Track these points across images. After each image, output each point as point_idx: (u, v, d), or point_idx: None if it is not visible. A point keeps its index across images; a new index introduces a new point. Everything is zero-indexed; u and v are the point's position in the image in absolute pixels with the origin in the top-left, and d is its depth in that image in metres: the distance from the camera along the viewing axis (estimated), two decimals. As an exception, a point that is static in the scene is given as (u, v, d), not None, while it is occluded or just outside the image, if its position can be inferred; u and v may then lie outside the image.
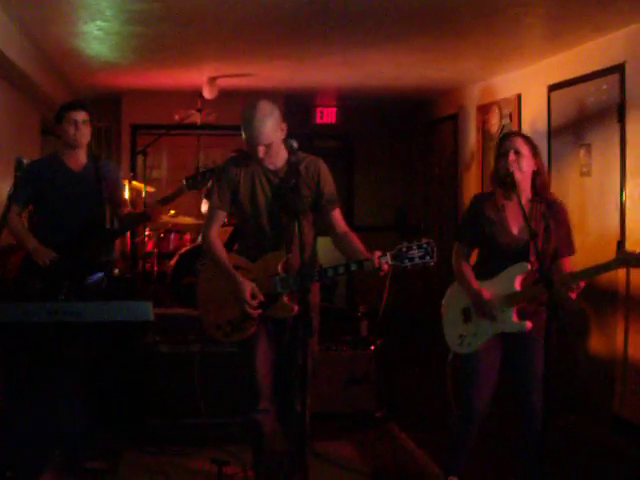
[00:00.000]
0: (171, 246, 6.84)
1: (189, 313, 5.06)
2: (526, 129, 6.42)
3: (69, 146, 4.31)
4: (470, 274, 3.69)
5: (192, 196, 7.93)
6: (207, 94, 7.15)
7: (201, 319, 3.71)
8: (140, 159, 7.74)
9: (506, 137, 3.71)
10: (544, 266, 3.39)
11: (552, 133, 5.99)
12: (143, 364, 4.74)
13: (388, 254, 3.29)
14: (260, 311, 3.48)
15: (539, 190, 3.63)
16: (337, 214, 3.67)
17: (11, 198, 4.07)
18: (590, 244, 5.22)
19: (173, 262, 6.25)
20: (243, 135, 3.49)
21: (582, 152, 5.56)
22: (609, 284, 5.18)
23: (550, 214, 3.59)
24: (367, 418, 5.08)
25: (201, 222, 6.48)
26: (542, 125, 6.11)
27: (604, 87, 5.31)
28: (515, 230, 3.62)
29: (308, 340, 3.08)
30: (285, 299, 3.49)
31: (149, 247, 6.86)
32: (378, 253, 3.30)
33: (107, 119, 8.44)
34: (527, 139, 3.66)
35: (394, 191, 9.42)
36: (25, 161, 3.35)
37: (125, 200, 4.66)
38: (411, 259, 3.29)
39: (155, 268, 6.68)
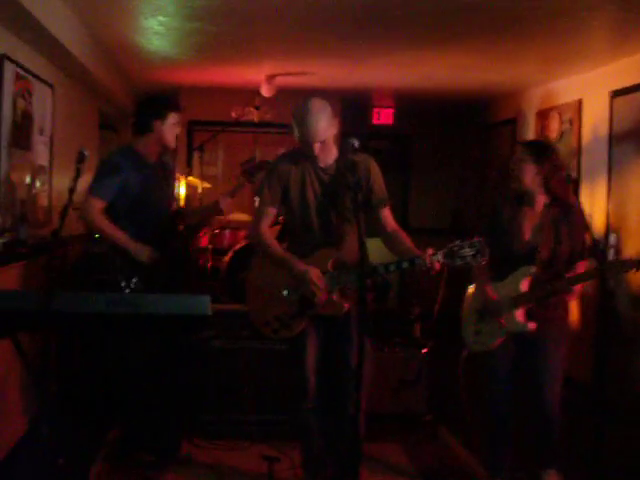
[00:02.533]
0: (225, 242, 6.89)
1: (243, 309, 5.08)
2: (587, 135, 6.33)
3: (164, 145, 4.20)
4: (484, 276, 3.86)
5: (246, 193, 8.02)
6: (265, 92, 7.17)
7: (250, 315, 3.74)
8: (196, 155, 7.83)
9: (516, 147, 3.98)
10: (556, 269, 3.70)
11: (614, 139, 5.88)
12: (197, 359, 4.79)
13: (440, 252, 3.30)
14: (326, 296, 3.45)
15: (554, 194, 3.77)
16: (387, 213, 3.68)
17: (93, 192, 4.05)
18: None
19: (227, 258, 6.29)
20: (295, 132, 3.50)
21: (644, 159, 5.46)
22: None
23: (564, 218, 3.75)
24: (416, 420, 5.08)
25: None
26: (603, 131, 6.00)
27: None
28: (527, 235, 3.79)
29: (364, 338, 3.06)
30: (335, 296, 3.48)
31: (204, 243, 6.91)
32: (430, 251, 3.30)
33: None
34: (529, 145, 3.90)
35: (449, 194, 9.36)
36: (87, 153, 3.37)
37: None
38: (463, 257, 3.29)
39: (209, 264, 6.73)
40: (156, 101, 4.27)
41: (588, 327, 5.80)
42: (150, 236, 4.13)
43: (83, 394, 4.82)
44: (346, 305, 3.49)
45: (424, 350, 5.19)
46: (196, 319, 2.85)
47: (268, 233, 3.67)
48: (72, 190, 3.15)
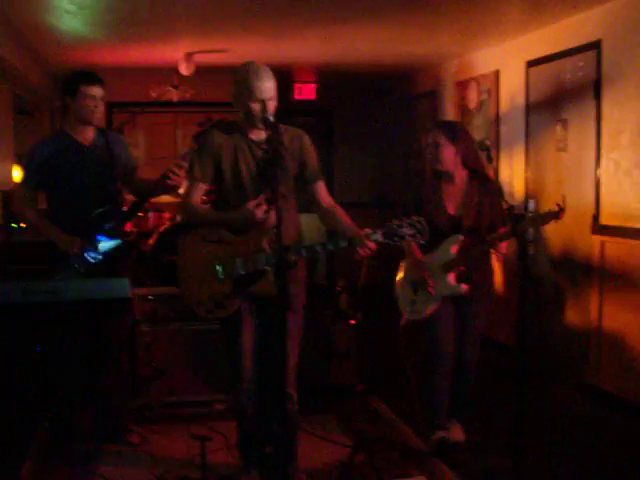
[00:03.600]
0: (150, 225, 6.80)
1: (170, 292, 5.06)
2: (504, 105, 6.45)
3: (81, 122, 4.10)
4: (415, 249, 4.05)
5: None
6: (184, 70, 7.07)
7: (183, 296, 3.60)
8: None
9: (427, 130, 4.18)
10: (480, 237, 3.96)
11: (530, 109, 6.02)
12: (125, 344, 4.74)
13: (379, 232, 3.26)
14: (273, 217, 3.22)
15: (472, 169, 4.04)
16: (322, 187, 3.62)
17: (21, 184, 4.08)
18: (566, 218, 5.19)
19: (152, 241, 6.23)
20: (241, 90, 3.38)
21: (559, 128, 5.60)
22: (584, 256, 5.25)
23: (484, 192, 4.02)
24: (348, 391, 5.12)
25: (180, 200, 6.46)
26: (520, 101, 6.13)
27: (580, 64, 5.33)
28: (451, 209, 4.05)
29: (286, 316, 3.05)
30: (271, 276, 3.34)
31: (128, 226, 6.82)
32: (368, 230, 3.26)
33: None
34: (445, 127, 4.08)
35: (373, 168, 9.43)
36: None
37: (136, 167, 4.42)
38: (402, 237, 3.27)
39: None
40: (68, 77, 4.17)
41: (510, 290, 5.98)
42: (78, 220, 4.03)
43: (8, 389, 4.72)
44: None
45: (352, 322, 5.24)
46: (116, 302, 2.81)
47: (199, 204, 3.56)
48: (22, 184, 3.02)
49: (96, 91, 4.06)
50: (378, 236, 3.25)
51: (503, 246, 3.93)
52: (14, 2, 5.01)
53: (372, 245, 3.25)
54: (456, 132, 4.04)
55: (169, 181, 3.92)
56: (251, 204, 3.34)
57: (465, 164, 4.03)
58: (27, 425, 4.48)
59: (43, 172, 4.07)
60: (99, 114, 4.12)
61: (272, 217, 3.18)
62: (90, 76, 4.12)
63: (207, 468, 3.70)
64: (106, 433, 4.34)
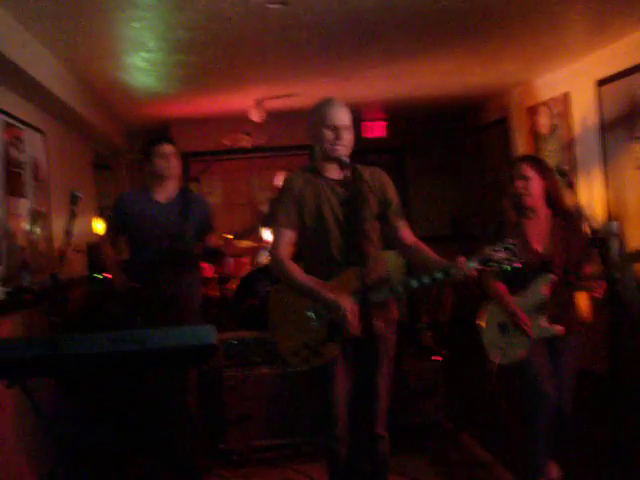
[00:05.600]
0: (230, 270, 6.87)
1: (253, 336, 5.08)
2: (577, 127, 6.33)
3: (159, 178, 4.46)
4: (504, 291, 3.91)
5: (247, 220, 8.04)
6: (255, 117, 7.19)
7: (276, 347, 3.44)
8: (194, 186, 7.85)
9: (513, 163, 4.03)
10: (569, 274, 3.83)
11: (604, 128, 5.89)
12: (210, 389, 4.78)
13: (474, 258, 3.17)
14: (360, 324, 3.16)
15: (555, 205, 3.93)
16: (405, 224, 3.50)
17: (107, 229, 4.60)
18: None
19: (234, 286, 6.29)
20: (314, 119, 3.37)
21: (636, 145, 5.45)
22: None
23: (567, 226, 3.92)
24: (437, 429, 5.03)
25: (256, 245, 6.53)
26: (593, 121, 6.01)
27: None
28: (539, 247, 3.90)
29: (377, 356, 2.98)
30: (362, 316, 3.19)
31: (209, 273, 6.92)
32: (462, 259, 3.16)
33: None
34: (534, 162, 3.97)
35: (449, 200, 9.34)
36: (79, 195, 3.40)
37: (213, 230, 4.62)
38: (498, 261, 3.19)
39: (217, 293, 6.72)
40: (144, 144, 4.61)
41: (600, 316, 5.80)
42: (143, 270, 4.31)
43: (101, 437, 4.81)
44: (381, 325, 3.31)
45: (438, 358, 5.16)
46: (203, 349, 2.83)
47: (289, 259, 3.37)
48: (68, 232, 3.16)
49: (166, 148, 4.45)
50: (475, 263, 3.16)
51: (599, 291, 3.73)
52: (91, 63, 5.20)
53: (473, 272, 3.15)
54: (543, 166, 3.96)
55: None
56: (348, 304, 3.16)
57: (549, 200, 3.93)
58: (117, 471, 4.55)
59: (122, 221, 4.46)
60: (173, 169, 4.48)
61: (357, 326, 3.13)
62: (158, 137, 4.59)
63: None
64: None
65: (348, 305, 3.15)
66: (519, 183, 3.89)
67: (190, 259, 4.43)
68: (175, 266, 4.33)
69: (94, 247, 6.47)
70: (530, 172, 3.88)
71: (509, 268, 3.22)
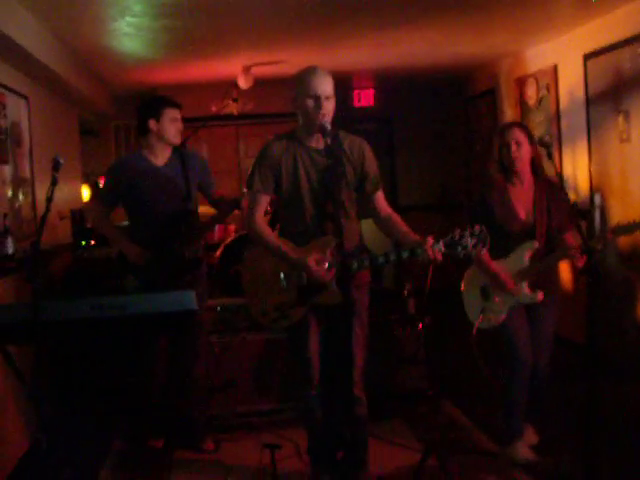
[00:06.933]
0: (216, 237, 6.87)
1: (237, 302, 5.12)
2: (564, 99, 6.35)
3: (166, 143, 4.30)
4: (486, 256, 3.90)
5: (234, 187, 8.04)
6: (242, 84, 7.15)
7: (248, 306, 3.67)
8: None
9: (505, 128, 4.02)
10: (551, 241, 3.91)
11: (590, 101, 5.91)
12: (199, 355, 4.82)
13: (441, 242, 3.23)
14: (331, 274, 3.31)
15: (538, 173, 3.97)
16: (381, 196, 3.59)
17: (98, 199, 4.44)
18: (632, 209, 5.21)
19: (218, 253, 6.30)
20: (298, 89, 3.38)
21: (620, 119, 5.48)
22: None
23: (551, 193, 3.95)
24: (419, 396, 5.08)
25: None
26: (580, 94, 6.02)
27: (640, 52, 5.21)
28: (522, 214, 3.95)
29: (351, 321, 3.05)
30: (334, 285, 3.34)
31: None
32: (430, 241, 3.22)
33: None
34: (524, 128, 4.01)
35: (436, 170, 9.34)
36: (61, 160, 3.37)
37: (214, 184, 4.57)
38: (465, 247, 3.24)
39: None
40: (150, 101, 4.42)
41: (577, 286, 5.89)
42: (152, 236, 4.25)
43: (83, 401, 4.85)
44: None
45: (420, 326, 5.21)
46: (183, 314, 2.85)
47: (264, 224, 3.53)
48: (49, 199, 3.12)
49: (178, 113, 4.31)
50: (440, 246, 3.22)
51: (581, 261, 3.69)
52: (76, 28, 5.15)
53: (438, 255, 3.22)
54: (530, 133, 3.99)
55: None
56: (312, 260, 3.30)
57: (533, 167, 3.97)
58: (102, 435, 4.60)
59: (119, 192, 4.32)
60: (180, 136, 4.35)
61: (330, 274, 3.29)
62: (171, 99, 4.38)
63: (278, 476, 3.74)
64: (182, 440, 4.46)
65: (312, 263, 3.29)
66: (514, 147, 3.90)
67: (199, 221, 4.42)
68: (189, 227, 4.29)
69: (78, 213, 6.47)
70: (521, 137, 3.91)
71: (474, 254, 3.31)
